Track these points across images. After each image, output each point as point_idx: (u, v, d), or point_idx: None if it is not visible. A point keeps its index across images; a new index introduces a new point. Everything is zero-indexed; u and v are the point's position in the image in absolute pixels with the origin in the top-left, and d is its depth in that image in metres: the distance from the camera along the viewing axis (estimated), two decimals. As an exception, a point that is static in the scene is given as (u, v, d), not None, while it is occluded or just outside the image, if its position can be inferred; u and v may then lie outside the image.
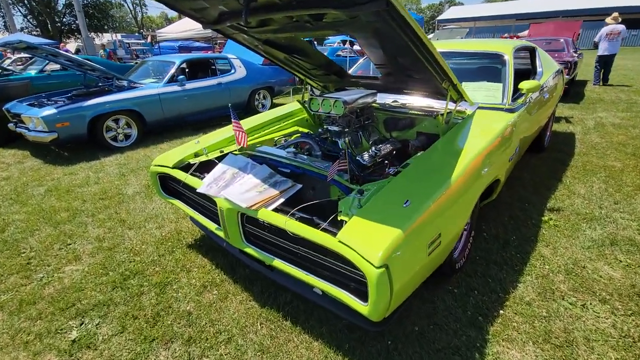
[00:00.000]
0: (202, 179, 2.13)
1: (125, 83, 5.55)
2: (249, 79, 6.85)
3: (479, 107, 2.50)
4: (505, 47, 2.91)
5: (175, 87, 5.56)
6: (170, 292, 2.10)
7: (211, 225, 2.02)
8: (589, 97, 7.70)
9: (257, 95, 7.16)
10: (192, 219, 2.60)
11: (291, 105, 3.20)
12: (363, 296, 1.34)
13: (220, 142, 2.52)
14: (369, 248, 1.24)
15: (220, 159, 2.33)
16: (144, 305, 1.99)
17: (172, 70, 5.66)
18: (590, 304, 1.90)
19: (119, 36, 25.27)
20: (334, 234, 1.40)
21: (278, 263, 1.65)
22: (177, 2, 1.89)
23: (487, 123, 2.26)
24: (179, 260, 2.40)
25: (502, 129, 2.18)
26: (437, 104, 2.63)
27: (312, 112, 2.46)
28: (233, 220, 1.77)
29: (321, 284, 1.50)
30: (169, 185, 2.44)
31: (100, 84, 5.75)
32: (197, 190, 1.92)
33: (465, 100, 2.31)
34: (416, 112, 2.57)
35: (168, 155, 2.40)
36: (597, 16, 25.40)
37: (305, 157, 2.12)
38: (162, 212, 3.11)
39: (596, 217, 2.77)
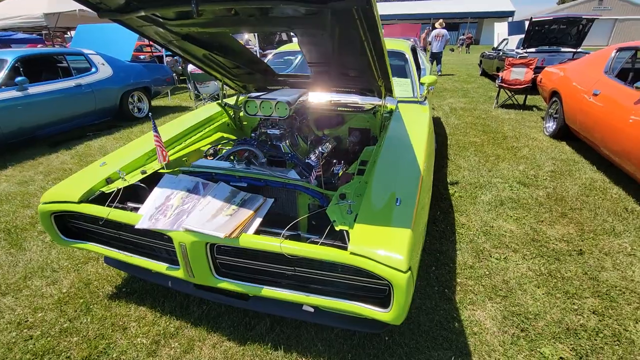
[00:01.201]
0: (132, 210, 1.69)
1: None
2: (118, 78, 5.75)
3: (398, 101, 2.75)
4: (404, 46, 3.26)
5: (13, 93, 4.20)
6: (109, 363, 1.61)
7: (157, 267, 1.63)
8: (436, 87, 9.44)
9: (130, 98, 6.07)
10: (108, 260, 2.04)
11: (207, 108, 2.84)
12: (381, 303, 1.31)
13: (137, 160, 2.03)
14: (389, 255, 1.22)
15: (148, 182, 1.89)
16: (76, 394, 1.47)
17: (4, 71, 4.24)
18: (509, 255, 2.37)
19: None
20: (340, 247, 1.33)
21: (266, 291, 1.46)
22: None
23: (414, 114, 2.50)
24: (103, 319, 1.85)
25: (428, 118, 2.46)
26: (360, 100, 2.76)
27: (249, 116, 2.22)
28: (200, 255, 1.46)
29: (322, 302, 1.40)
30: (71, 227, 1.84)
31: None
32: (136, 227, 1.51)
33: (391, 96, 2.49)
34: (349, 109, 2.63)
35: (64, 187, 1.79)
36: (423, 20, 31.11)
37: (260, 166, 1.92)
38: (47, 261, 2.33)
39: (482, 185, 3.44)
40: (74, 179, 1.86)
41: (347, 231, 1.37)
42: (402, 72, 3.11)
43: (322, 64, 2.21)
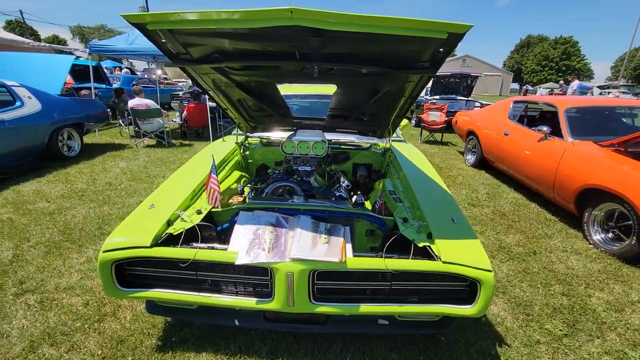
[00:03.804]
0: (210, 249, 1.70)
1: None
2: (47, 114, 5.08)
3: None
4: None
5: None
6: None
7: (245, 303, 1.65)
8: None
9: (60, 136, 5.37)
10: (153, 308, 1.88)
11: (216, 147, 2.88)
12: (464, 301, 1.63)
13: (186, 199, 2.00)
14: (476, 260, 1.57)
15: (209, 220, 1.90)
16: None
17: None
18: (491, 261, 2.94)
19: None
20: (431, 259, 1.62)
21: (364, 308, 1.64)
22: (168, 35, 1.49)
23: (410, 152, 3.01)
24: (165, 374, 1.71)
25: (422, 154, 2.99)
26: (357, 139, 3.19)
27: (286, 154, 2.40)
28: (303, 282, 1.58)
29: (413, 309, 1.65)
30: (125, 275, 1.71)
31: None
32: (237, 263, 1.54)
33: (387, 136, 2.97)
34: (351, 147, 3.02)
35: (124, 233, 1.69)
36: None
37: (318, 199, 2.11)
38: (49, 325, 1.99)
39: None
40: (130, 225, 1.76)
41: (429, 246, 1.68)
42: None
43: (346, 110, 2.57)
